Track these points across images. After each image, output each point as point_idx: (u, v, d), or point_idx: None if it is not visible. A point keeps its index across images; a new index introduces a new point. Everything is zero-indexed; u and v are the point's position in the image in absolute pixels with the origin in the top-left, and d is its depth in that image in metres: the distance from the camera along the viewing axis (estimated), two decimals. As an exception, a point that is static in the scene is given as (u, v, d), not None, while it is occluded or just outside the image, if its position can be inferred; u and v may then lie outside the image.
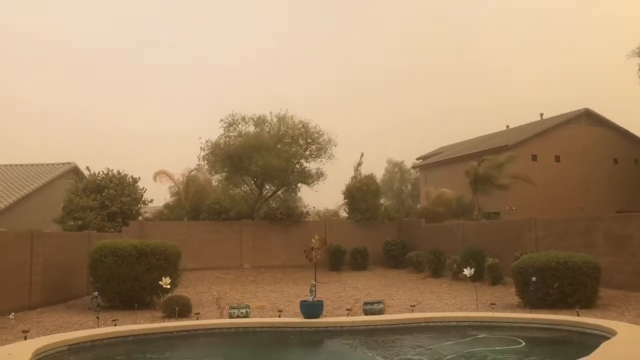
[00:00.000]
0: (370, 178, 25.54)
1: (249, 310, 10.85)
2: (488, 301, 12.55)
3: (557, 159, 32.20)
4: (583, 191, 31.06)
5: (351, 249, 22.55)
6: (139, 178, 24.03)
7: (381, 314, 10.67)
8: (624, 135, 34.04)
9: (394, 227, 24.61)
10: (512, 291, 13.46)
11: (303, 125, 23.96)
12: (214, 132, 24.60)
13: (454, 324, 10.08)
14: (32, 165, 28.56)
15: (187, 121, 76.63)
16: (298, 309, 10.70)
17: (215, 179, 26.76)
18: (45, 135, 59.61)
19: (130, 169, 24.05)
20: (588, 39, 71.23)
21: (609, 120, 33.82)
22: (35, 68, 69.51)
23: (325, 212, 29.62)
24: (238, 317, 10.55)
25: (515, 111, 70.45)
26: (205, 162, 24.19)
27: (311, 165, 24.48)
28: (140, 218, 23.55)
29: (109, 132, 67.48)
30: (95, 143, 60.65)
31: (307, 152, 24.17)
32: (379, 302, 11.02)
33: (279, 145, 23.35)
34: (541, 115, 36.95)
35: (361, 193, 24.28)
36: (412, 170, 49.15)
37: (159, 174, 25.98)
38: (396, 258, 22.65)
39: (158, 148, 62.34)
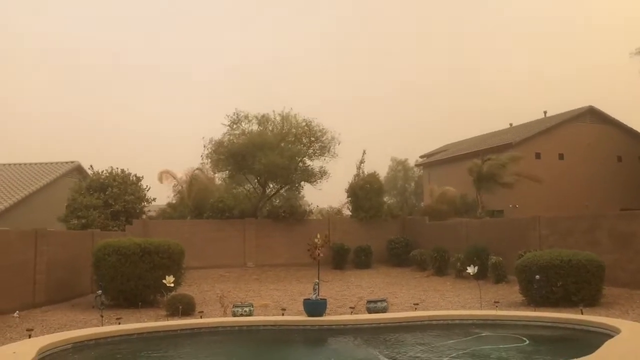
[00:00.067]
0: (374, 176, 25.50)
1: (252, 309, 10.86)
2: (492, 299, 12.55)
3: (561, 156, 32.10)
4: (587, 189, 30.98)
5: (355, 247, 22.56)
6: (142, 177, 24.12)
7: (385, 312, 10.65)
8: (628, 132, 33.91)
9: (397, 225, 24.59)
10: (515, 289, 13.44)
11: (306, 124, 23.92)
12: (214, 132, 24.61)
13: (457, 322, 10.06)
14: (35, 164, 28.58)
15: (187, 121, 76.92)
16: (301, 308, 10.69)
17: (219, 178, 26.82)
18: (46, 135, 59.79)
19: (130, 169, 24.04)
20: (588, 39, 71.04)
21: (613, 118, 33.68)
22: (35, 68, 69.74)
23: (329, 210, 29.60)
24: (241, 315, 10.56)
25: (516, 112, 70.44)
26: (209, 160, 24.22)
27: (314, 164, 24.51)
28: (143, 217, 23.59)
29: (109, 132, 67.75)
30: (96, 143, 60.80)
31: (311, 151, 24.14)
32: (382, 301, 11.00)
33: (282, 144, 23.32)
34: (545, 113, 36.85)
35: (364, 191, 24.26)
36: (415, 168, 49.04)
37: (164, 174, 26.02)
38: (400, 256, 22.63)
39: (158, 148, 62.60)
